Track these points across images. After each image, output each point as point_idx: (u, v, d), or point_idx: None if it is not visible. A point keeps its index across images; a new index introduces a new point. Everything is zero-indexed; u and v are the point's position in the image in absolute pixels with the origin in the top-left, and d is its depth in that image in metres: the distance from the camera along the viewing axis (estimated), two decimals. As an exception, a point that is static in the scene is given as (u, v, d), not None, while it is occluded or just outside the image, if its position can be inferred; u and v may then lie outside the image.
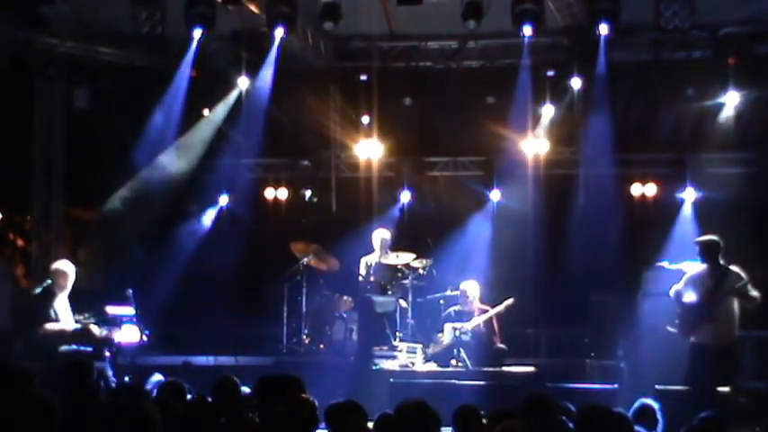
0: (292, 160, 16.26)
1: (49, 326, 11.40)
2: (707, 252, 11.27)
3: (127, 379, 10.80)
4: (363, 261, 14.10)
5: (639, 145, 15.32)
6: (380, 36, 15.15)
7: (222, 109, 15.30)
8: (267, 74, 14.48)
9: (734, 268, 11.29)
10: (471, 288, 13.28)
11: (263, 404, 6.59)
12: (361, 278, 14.06)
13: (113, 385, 9.70)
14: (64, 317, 11.57)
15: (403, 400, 5.98)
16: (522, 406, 6.38)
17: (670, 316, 11.61)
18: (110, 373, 9.04)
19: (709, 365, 11.14)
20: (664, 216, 14.97)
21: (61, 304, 11.63)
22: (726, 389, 11.03)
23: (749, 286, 11.08)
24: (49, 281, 11.76)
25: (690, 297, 11.24)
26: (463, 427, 6.30)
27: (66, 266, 11.74)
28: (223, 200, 16.26)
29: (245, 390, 7.29)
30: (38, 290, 12.00)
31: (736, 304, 11.23)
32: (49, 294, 11.59)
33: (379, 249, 13.99)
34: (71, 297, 11.71)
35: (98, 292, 12.43)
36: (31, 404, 5.04)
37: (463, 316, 13.19)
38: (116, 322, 11.66)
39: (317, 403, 6.14)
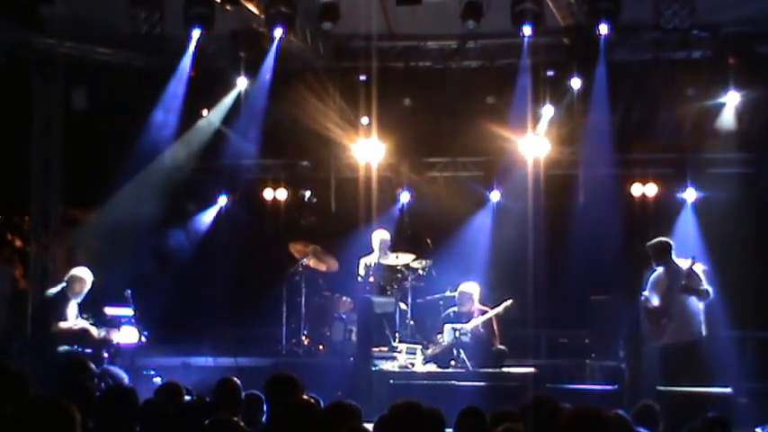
0: (291, 161, 16.22)
1: (63, 324, 11.43)
2: (658, 254, 11.60)
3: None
4: (363, 262, 14.09)
5: (639, 145, 15.29)
6: (380, 36, 15.09)
7: (221, 109, 15.26)
8: (266, 74, 14.45)
9: (684, 266, 11.47)
10: (471, 289, 13.24)
11: (269, 405, 6.57)
12: (360, 279, 14.04)
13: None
14: (70, 318, 11.60)
15: (397, 402, 5.94)
16: (522, 407, 6.33)
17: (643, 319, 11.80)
18: (120, 373, 9.00)
19: (670, 365, 11.28)
20: (664, 216, 14.94)
21: (72, 310, 11.64)
22: (726, 389, 11.04)
23: (696, 281, 11.28)
24: (65, 284, 11.77)
25: (654, 300, 11.52)
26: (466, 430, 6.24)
27: (83, 273, 11.77)
28: (222, 200, 16.23)
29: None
30: (53, 291, 12.02)
31: (696, 302, 11.41)
32: (64, 297, 11.61)
33: (379, 250, 13.97)
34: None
35: (96, 293, 12.39)
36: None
37: (463, 317, 13.15)
38: (115, 323, 11.65)
39: (321, 403, 6.12)
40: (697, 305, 11.49)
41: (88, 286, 11.73)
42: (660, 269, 11.65)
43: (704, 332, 11.52)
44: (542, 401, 6.37)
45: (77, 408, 4.25)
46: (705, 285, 11.52)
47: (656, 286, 11.64)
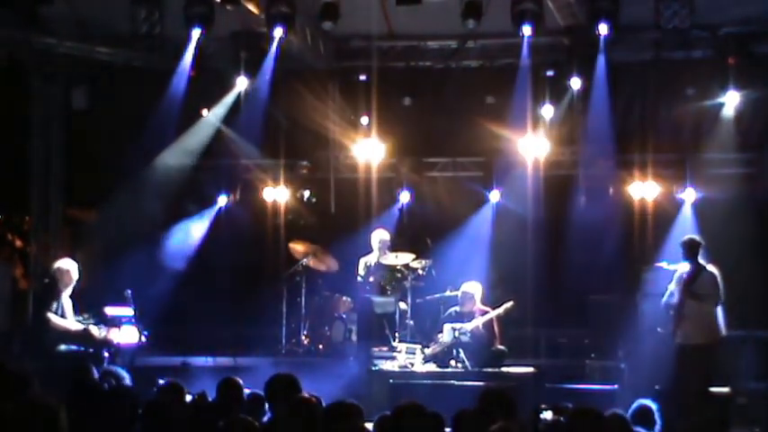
0: (291, 161, 16.22)
1: (56, 320, 11.42)
2: (686, 251, 11.55)
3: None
4: (362, 261, 14.10)
5: (639, 145, 15.28)
6: (379, 36, 15.09)
7: (221, 109, 15.26)
8: (266, 74, 14.45)
9: (709, 269, 11.43)
10: (474, 289, 13.24)
11: (270, 404, 6.58)
12: (359, 278, 14.05)
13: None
14: (68, 316, 11.59)
15: (400, 402, 5.95)
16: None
17: (667, 316, 11.73)
18: (121, 372, 8.98)
19: (681, 365, 11.27)
20: (663, 216, 14.94)
21: (65, 303, 11.64)
22: (725, 389, 11.05)
23: (705, 288, 11.22)
24: (51, 277, 11.78)
25: (674, 297, 11.49)
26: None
27: (68, 264, 11.77)
28: (222, 200, 16.23)
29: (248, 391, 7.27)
30: (41, 284, 12.04)
31: (712, 306, 11.36)
32: (54, 289, 11.60)
33: (378, 250, 13.98)
34: (72, 297, 11.73)
35: (97, 293, 12.40)
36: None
37: (464, 317, 13.16)
38: (115, 323, 11.65)
39: (323, 402, 6.12)
40: (713, 308, 11.41)
41: (75, 276, 11.71)
42: (688, 267, 11.56)
43: (723, 333, 11.48)
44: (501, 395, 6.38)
45: (83, 407, 4.27)
46: (709, 291, 11.41)
47: (677, 284, 11.60)
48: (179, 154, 15.48)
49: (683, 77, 14.78)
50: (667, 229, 14.27)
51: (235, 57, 14.66)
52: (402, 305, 13.71)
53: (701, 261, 11.57)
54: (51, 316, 11.47)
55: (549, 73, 14.93)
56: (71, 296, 11.78)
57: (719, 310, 11.47)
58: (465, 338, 12.95)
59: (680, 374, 11.28)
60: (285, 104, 15.42)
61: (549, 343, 14.98)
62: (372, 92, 15.42)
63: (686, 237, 11.99)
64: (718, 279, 11.44)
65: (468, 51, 15.25)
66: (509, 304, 13.13)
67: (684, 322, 11.41)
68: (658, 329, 11.97)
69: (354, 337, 13.72)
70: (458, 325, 13.01)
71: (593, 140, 14.88)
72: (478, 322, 13.03)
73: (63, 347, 11.37)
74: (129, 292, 11.84)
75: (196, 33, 13.65)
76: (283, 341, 14.38)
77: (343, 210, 16.15)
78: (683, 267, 11.61)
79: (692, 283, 11.44)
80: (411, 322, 13.67)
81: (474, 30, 13.55)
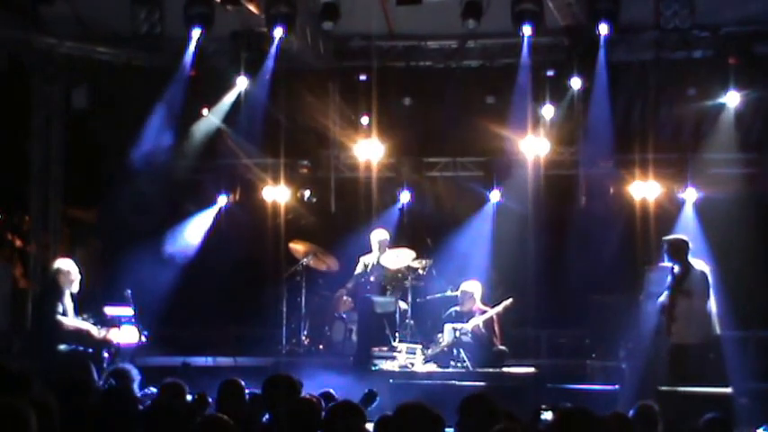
0: (291, 160, 16.21)
1: (67, 321, 11.41)
2: (672, 252, 11.48)
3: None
4: (362, 261, 14.11)
5: (640, 145, 15.28)
6: (380, 36, 15.10)
7: (221, 109, 15.26)
8: (266, 74, 14.45)
9: (699, 267, 11.42)
10: (473, 288, 13.24)
11: (269, 405, 6.57)
12: (355, 275, 14.05)
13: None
14: (69, 316, 11.58)
15: (403, 403, 5.92)
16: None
17: (660, 316, 11.74)
18: (132, 370, 8.98)
19: (674, 365, 11.28)
20: (665, 216, 14.93)
21: (67, 303, 11.63)
22: (727, 390, 11.03)
23: (695, 287, 11.20)
24: (52, 278, 11.77)
25: (664, 297, 11.51)
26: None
27: (67, 265, 11.76)
28: (222, 200, 16.22)
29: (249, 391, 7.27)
30: (44, 285, 12.02)
31: (703, 304, 11.34)
32: (57, 291, 11.60)
33: (377, 250, 13.98)
34: (73, 297, 11.72)
35: (96, 293, 12.39)
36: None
37: (463, 316, 13.15)
38: (115, 323, 11.65)
39: (323, 403, 6.12)
40: (704, 307, 11.40)
41: (76, 275, 11.69)
42: (675, 267, 11.53)
43: (717, 332, 11.46)
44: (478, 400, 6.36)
45: (80, 406, 4.25)
46: (698, 289, 11.40)
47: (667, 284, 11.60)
48: (179, 154, 15.47)
49: (684, 77, 14.78)
50: (669, 229, 14.22)
51: (235, 57, 14.65)
52: (402, 305, 13.70)
53: (691, 260, 11.55)
54: (61, 318, 11.46)
55: (549, 73, 14.92)
56: (73, 296, 11.77)
57: (711, 309, 11.47)
58: (465, 338, 12.94)
59: (674, 374, 11.28)
60: (285, 104, 15.41)
61: (550, 343, 14.99)
62: (373, 91, 15.41)
63: (671, 237, 11.94)
64: (709, 277, 11.42)
65: (468, 51, 15.25)
66: (508, 301, 13.13)
67: (677, 322, 11.41)
68: (653, 330, 11.99)
69: (354, 337, 13.72)
70: (458, 325, 13.00)
71: (594, 140, 14.88)
72: (478, 321, 13.03)
73: (63, 347, 11.36)
74: (129, 292, 11.83)
75: (196, 33, 13.64)
76: (283, 341, 14.37)
77: (343, 210, 16.15)
78: (673, 267, 11.60)
79: (683, 283, 11.42)
80: (411, 322, 13.66)
81: (474, 30, 13.55)
